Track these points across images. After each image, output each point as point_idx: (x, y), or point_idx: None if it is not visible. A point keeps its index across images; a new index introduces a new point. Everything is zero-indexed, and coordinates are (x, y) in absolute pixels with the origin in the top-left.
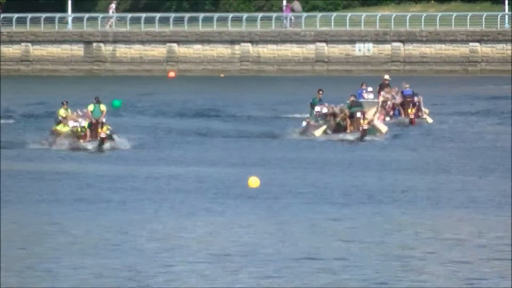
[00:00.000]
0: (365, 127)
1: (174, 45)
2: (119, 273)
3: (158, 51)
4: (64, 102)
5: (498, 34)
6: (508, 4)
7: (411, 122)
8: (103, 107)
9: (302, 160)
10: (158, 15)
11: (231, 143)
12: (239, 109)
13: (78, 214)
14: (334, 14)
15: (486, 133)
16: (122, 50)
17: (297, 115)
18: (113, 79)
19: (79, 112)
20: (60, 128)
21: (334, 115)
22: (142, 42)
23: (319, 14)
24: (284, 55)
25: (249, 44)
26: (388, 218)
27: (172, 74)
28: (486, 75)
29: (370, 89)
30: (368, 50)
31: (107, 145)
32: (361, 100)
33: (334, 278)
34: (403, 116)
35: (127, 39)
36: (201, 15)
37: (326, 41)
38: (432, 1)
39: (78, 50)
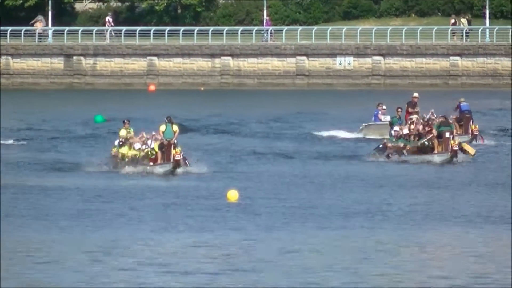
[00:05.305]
0: (455, 148)
1: (155, 58)
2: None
3: (138, 64)
4: (125, 121)
5: (478, 48)
6: (489, 18)
7: (475, 139)
8: (175, 127)
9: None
10: (138, 28)
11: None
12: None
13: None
14: (315, 27)
15: None
16: (102, 64)
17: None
18: (94, 92)
19: (144, 134)
20: (125, 151)
21: (419, 135)
22: (122, 55)
23: (299, 28)
24: (265, 68)
25: (229, 58)
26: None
27: (152, 87)
28: (467, 88)
29: (384, 107)
30: (349, 63)
31: (181, 168)
32: (378, 122)
33: None
34: (458, 133)
35: (107, 53)
36: (182, 29)
37: (306, 55)
38: (413, 15)
39: (58, 63)
